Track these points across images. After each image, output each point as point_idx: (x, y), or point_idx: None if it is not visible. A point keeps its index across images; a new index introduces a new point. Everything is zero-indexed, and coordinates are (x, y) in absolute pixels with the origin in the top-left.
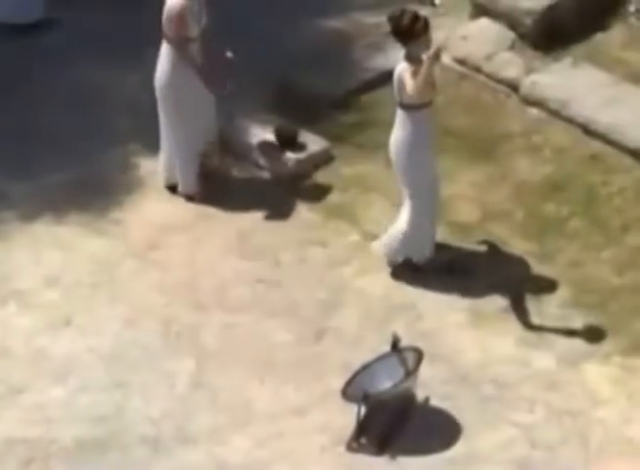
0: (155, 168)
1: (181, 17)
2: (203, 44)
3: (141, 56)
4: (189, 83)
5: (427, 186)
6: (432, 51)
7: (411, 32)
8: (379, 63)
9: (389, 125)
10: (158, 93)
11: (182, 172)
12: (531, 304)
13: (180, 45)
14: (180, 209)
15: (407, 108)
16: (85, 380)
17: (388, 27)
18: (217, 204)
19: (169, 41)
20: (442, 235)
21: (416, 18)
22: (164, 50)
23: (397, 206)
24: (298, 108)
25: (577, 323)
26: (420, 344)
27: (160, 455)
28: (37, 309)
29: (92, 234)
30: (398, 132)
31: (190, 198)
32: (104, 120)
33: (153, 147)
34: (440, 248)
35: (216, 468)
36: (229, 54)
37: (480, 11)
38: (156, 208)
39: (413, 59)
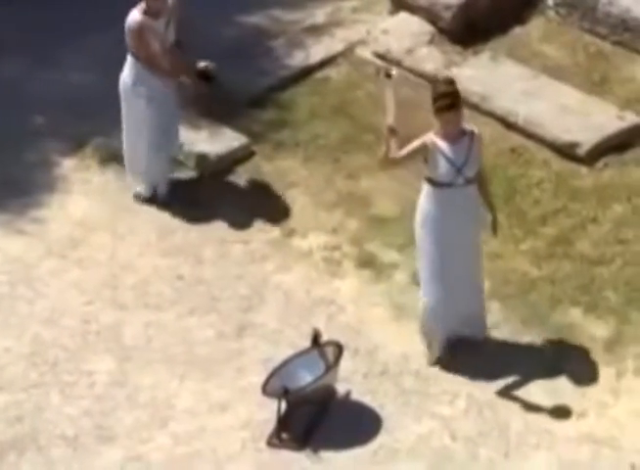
0: (74, 166)
1: (138, 34)
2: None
3: (55, 53)
4: (153, 88)
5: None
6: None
7: (435, 106)
8: (297, 60)
9: (308, 122)
10: (123, 98)
11: (156, 178)
12: None
13: (144, 61)
14: (100, 207)
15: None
16: (3, 380)
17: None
18: (137, 202)
19: (132, 54)
20: (361, 229)
21: (443, 94)
22: (128, 58)
23: (318, 202)
24: (219, 104)
25: (497, 315)
26: (340, 338)
27: (80, 454)
28: None
29: (11, 233)
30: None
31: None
32: (20, 119)
33: (72, 145)
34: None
35: (137, 466)
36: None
37: (399, 5)
38: (76, 206)
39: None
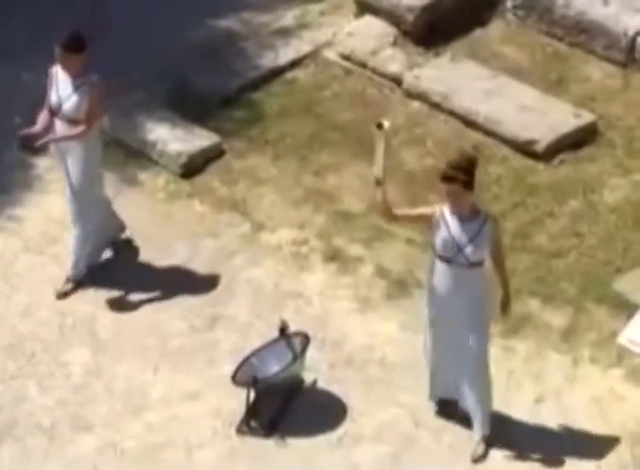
0: (50, 166)
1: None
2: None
3: (32, 55)
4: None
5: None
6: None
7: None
8: (267, 61)
9: (277, 121)
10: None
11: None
12: (415, 290)
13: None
14: None
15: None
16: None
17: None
18: (113, 198)
19: None
20: (327, 224)
21: (449, 164)
22: None
23: (286, 198)
24: (192, 104)
25: None
26: (308, 329)
27: (56, 443)
28: None
29: None
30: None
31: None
32: None
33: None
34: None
35: (112, 454)
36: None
37: (364, 8)
38: (52, 204)
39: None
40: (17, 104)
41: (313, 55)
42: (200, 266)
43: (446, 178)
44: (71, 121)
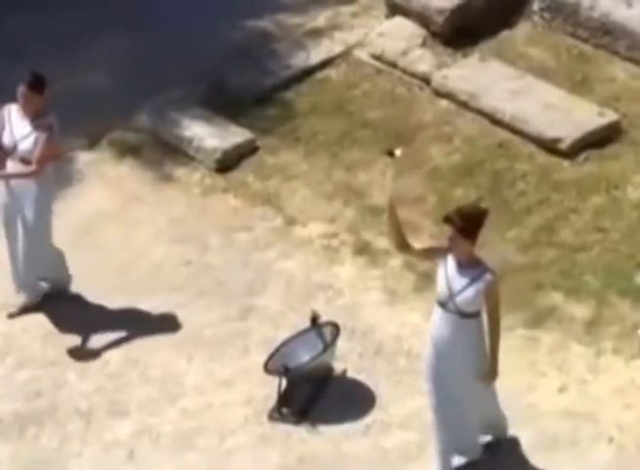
0: (90, 160)
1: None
2: None
3: (74, 53)
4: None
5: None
6: None
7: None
8: (299, 61)
9: (309, 119)
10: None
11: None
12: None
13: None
14: (114, 198)
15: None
16: (22, 358)
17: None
18: (150, 193)
19: None
20: (357, 219)
21: (457, 209)
22: None
23: (317, 193)
24: (226, 103)
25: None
26: (338, 320)
27: (94, 428)
28: None
29: None
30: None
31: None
32: None
33: (87, 140)
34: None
35: (147, 439)
36: None
37: (395, 10)
38: (91, 197)
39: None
40: (62, 98)
41: (344, 55)
42: (234, 258)
43: (445, 219)
44: (26, 162)
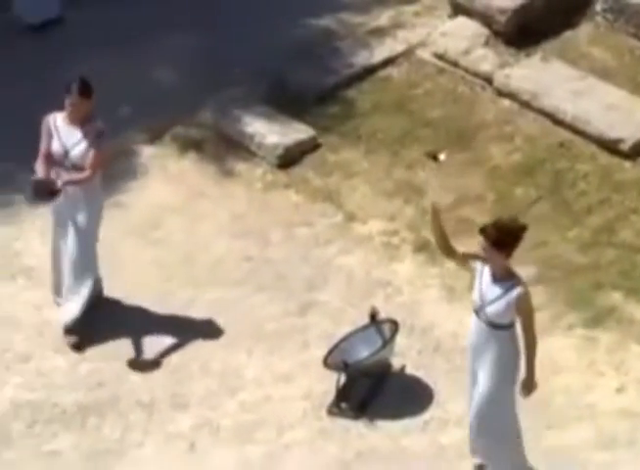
0: (153, 154)
1: (42, 129)
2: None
3: (139, 48)
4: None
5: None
6: None
7: None
8: (362, 60)
9: (370, 117)
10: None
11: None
12: None
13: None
14: (177, 192)
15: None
16: (86, 350)
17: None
18: (212, 187)
19: None
20: (417, 216)
21: (494, 222)
22: None
23: (377, 191)
24: (289, 100)
25: (542, 298)
26: (397, 317)
27: (156, 419)
28: (44, 284)
29: None
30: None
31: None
32: (103, 110)
33: (151, 135)
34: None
35: (207, 431)
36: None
37: (458, 10)
38: (155, 191)
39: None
40: (127, 94)
41: (407, 54)
42: (294, 254)
43: (481, 230)
44: (78, 168)
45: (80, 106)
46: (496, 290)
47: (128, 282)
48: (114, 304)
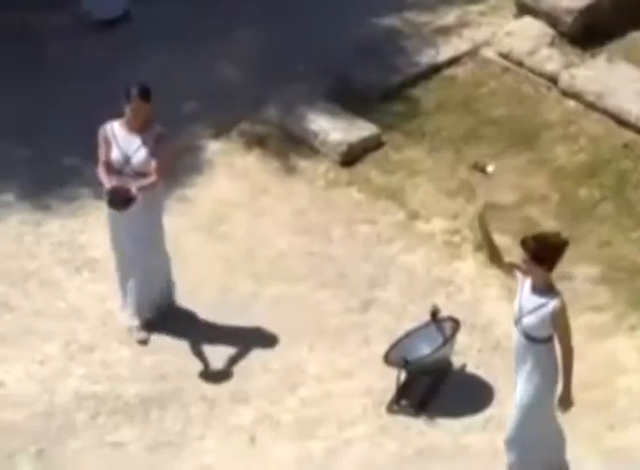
0: (219, 150)
1: (100, 138)
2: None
3: (205, 44)
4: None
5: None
6: None
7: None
8: (427, 58)
9: (435, 116)
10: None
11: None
12: (562, 280)
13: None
14: (242, 188)
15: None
16: (151, 343)
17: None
18: (276, 184)
19: None
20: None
21: (535, 234)
22: None
23: (440, 189)
24: (353, 97)
25: (605, 298)
26: (458, 315)
27: (217, 413)
28: (108, 277)
29: None
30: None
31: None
32: (170, 105)
33: (217, 130)
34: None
35: (268, 426)
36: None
37: (524, 10)
38: (220, 187)
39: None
40: (192, 89)
41: (472, 53)
42: (356, 251)
43: (521, 242)
44: (141, 175)
45: (141, 110)
46: (533, 302)
47: (192, 276)
48: (179, 297)
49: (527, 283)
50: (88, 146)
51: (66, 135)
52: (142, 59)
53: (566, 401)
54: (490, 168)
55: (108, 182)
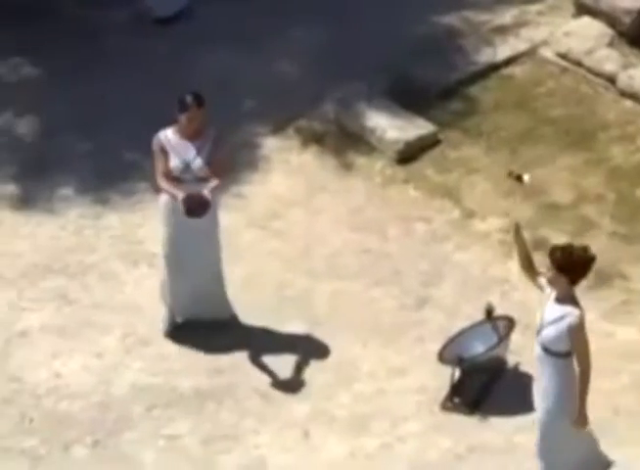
0: (276, 147)
1: (155, 149)
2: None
3: (264, 42)
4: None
5: None
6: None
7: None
8: (485, 57)
9: (492, 114)
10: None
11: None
12: (618, 281)
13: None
14: (298, 185)
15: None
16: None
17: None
18: (332, 181)
19: None
20: (535, 215)
21: (555, 249)
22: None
23: (497, 188)
24: (410, 95)
25: None
26: (512, 314)
27: (271, 407)
28: None
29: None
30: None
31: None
32: (228, 102)
33: (274, 127)
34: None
35: (322, 421)
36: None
37: (582, 10)
38: (276, 183)
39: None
40: (251, 86)
41: (530, 53)
42: (411, 249)
43: (549, 252)
44: (201, 180)
45: (196, 117)
46: (554, 314)
47: (247, 272)
48: (234, 293)
49: (553, 294)
50: (148, 141)
51: (126, 130)
52: (201, 56)
53: (578, 421)
54: (527, 178)
55: (178, 192)
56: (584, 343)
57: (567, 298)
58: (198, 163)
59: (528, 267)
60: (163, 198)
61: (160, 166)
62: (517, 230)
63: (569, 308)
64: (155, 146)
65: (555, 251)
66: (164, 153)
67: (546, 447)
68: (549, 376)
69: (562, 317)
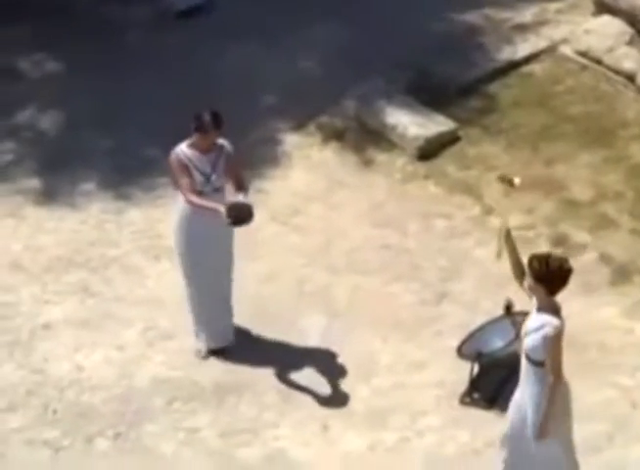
0: (297, 143)
1: (176, 166)
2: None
3: (285, 38)
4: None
5: None
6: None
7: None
8: (505, 55)
9: (511, 112)
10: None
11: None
12: (638, 277)
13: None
14: (318, 180)
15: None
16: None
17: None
18: (353, 177)
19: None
20: (555, 211)
21: (534, 258)
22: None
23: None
24: (430, 92)
25: None
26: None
27: (290, 400)
28: None
29: None
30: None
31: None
32: (250, 99)
33: (295, 124)
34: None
35: (340, 414)
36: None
37: (602, 8)
38: (297, 179)
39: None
40: (272, 82)
41: (549, 50)
42: (431, 244)
43: (529, 260)
44: (218, 190)
45: (213, 136)
46: (535, 323)
47: (268, 267)
48: (254, 287)
49: (534, 302)
50: (168, 137)
51: (146, 126)
52: (222, 51)
53: (536, 432)
54: (517, 181)
55: (215, 205)
56: (557, 354)
57: (546, 307)
58: (216, 174)
59: (519, 273)
60: (181, 210)
61: (185, 184)
62: (507, 235)
63: (547, 318)
64: (174, 163)
65: (532, 260)
66: (186, 169)
67: (514, 463)
68: (531, 385)
69: (541, 326)
